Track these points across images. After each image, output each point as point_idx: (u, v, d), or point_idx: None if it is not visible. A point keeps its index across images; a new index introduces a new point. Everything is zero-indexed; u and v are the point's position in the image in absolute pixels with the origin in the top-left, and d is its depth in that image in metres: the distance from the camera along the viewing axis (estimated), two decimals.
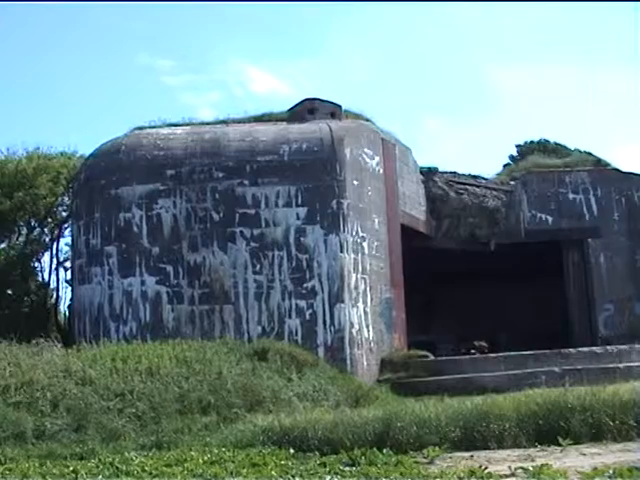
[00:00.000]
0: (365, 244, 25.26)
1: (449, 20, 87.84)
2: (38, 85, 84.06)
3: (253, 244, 23.95)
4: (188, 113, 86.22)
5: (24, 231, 32.87)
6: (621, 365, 24.28)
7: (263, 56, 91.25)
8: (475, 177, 33.79)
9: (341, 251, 24.06)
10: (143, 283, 23.82)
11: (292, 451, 13.78)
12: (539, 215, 33.85)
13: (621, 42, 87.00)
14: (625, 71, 70.08)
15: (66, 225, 31.68)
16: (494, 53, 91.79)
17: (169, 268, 23.83)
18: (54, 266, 32.73)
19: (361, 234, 25.06)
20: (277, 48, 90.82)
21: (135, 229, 24.15)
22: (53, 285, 33.00)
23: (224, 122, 27.20)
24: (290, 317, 23.66)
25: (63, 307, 33.60)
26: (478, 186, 33.15)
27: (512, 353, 25.51)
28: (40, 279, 33.13)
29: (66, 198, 31.55)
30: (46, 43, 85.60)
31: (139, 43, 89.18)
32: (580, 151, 38.05)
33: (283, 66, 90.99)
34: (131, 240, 24.14)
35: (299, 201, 24.20)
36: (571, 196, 33.98)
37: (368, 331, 24.71)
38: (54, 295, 33.21)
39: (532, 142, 42.06)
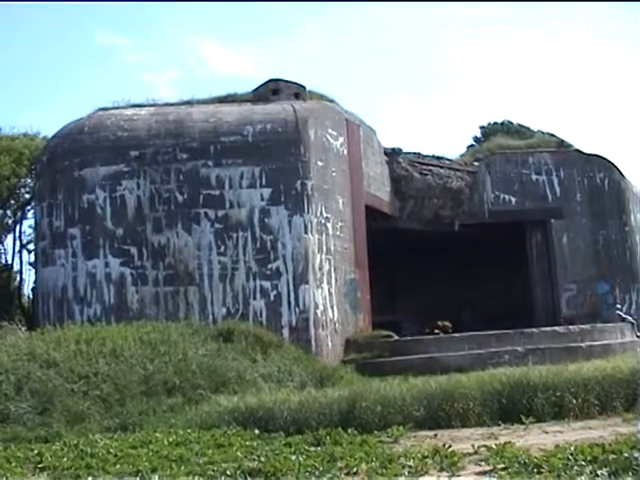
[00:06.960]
0: (329, 225, 25.29)
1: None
2: None
3: (217, 225, 23.90)
4: (148, 92, 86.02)
5: None
6: (583, 344, 24.59)
7: (225, 34, 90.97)
8: (439, 158, 33.92)
9: (305, 232, 24.08)
10: (107, 265, 23.69)
11: (257, 432, 13.88)
12: (502, 196, 34.09)
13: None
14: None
15: (29, 207, 31.44)
16: (458, 33, 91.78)
17: (133, 250, 23.72)
18: (17, 248, 32.61)
19: (325, 215, 25.08)
20: (239, 27, 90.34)
21: (99, 211, 23.99)
22: (16, 267, 32.88)
23: (188, 103, 27.01)
24: (255, 298, 23.65)
25: (27, 290, 33.44)
26: (442, 167, 33.29)
27: (476, 333, 25.75)
28: (3, 261, 32.90)
29: (29, 179, 31.30)
30: (5, 25, 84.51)
31: (97, 20, 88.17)
32: (543, 132, 38.35)
33: (245, 45, 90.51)
34: (95, 222, 23.99)
35: (263, 182, 24.15)
36: (534, 177, 34.26)
37: (333, 312, 24.78)
38: (17, 278, 33.03)
39: (496, 123, 42.43)
